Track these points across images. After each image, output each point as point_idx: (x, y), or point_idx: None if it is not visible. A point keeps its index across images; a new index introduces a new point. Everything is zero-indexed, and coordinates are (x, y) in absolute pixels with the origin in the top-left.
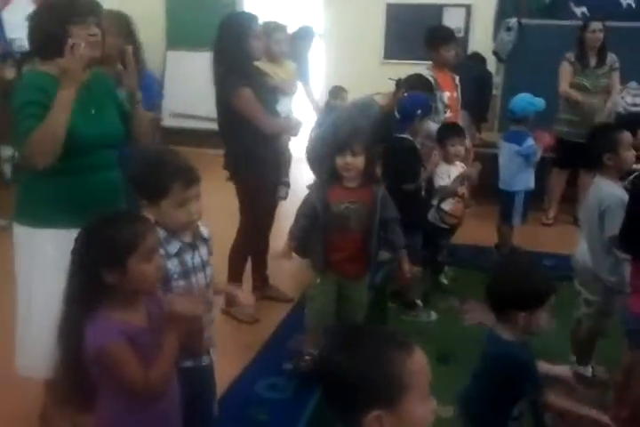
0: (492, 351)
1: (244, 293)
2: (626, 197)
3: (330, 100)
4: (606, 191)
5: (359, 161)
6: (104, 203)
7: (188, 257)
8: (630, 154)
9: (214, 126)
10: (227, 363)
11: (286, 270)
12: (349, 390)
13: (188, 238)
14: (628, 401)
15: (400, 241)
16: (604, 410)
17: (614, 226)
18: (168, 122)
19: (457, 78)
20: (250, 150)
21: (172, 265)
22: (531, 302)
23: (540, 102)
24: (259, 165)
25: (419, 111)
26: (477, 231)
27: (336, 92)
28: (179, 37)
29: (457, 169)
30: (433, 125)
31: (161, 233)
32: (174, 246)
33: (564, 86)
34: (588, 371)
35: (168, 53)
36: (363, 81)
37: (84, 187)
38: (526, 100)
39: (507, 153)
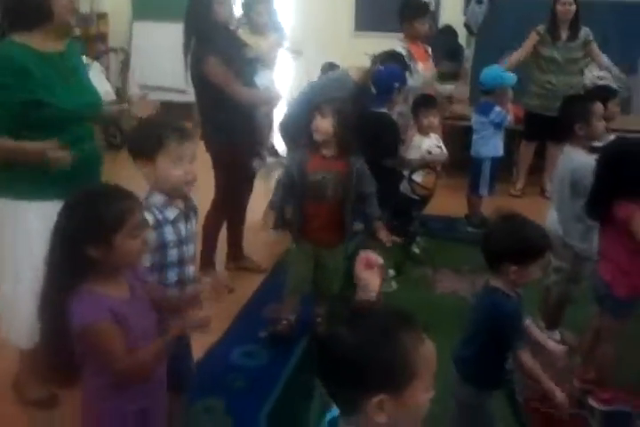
0: (483, 301)
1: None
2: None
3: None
4: (578, 161)
5: (327, 123)
6: (87, 174)
7: (181, 226)
8: (601, 125)
9: (183, 98)
10: (202, 333)
11: (261, 241)
12: (353, 368)
13: (182, 206)
14: (593, 365)
15: (376, 213)
16: (570, 374)
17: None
18: (135, 93)
19: (429, 49)
20: (222, 120)
21: (169, 232)
22: (524, 256)
23: (509, 77)
24: (231, 136)
25: (396, 84)
26: (449, 202)
27: (327, 68)
28: (145, 8)
29: (431, 141)
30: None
31: (159, 199)
32: (172, 212)
33: (516, 55)
34: (556, 336)
35: (135, 24)
36: (334, 53)
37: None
38: (495, 73)
39: (476, 124)
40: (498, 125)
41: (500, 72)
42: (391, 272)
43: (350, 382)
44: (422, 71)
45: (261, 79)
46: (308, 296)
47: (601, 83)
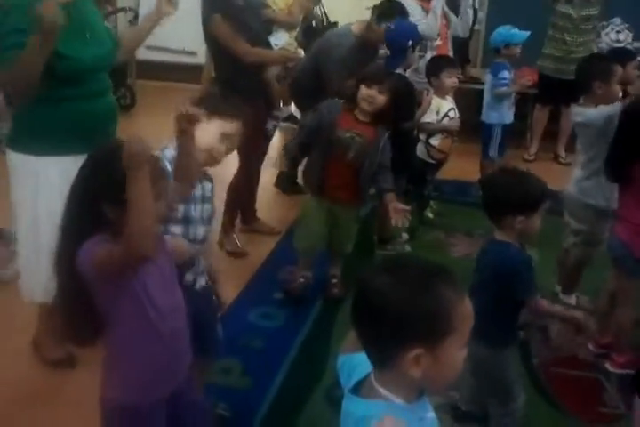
0: (491, 255)
1: None
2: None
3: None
4: (592, 112)
5: (382, 99)
6: (104, 129)
7: None
8: (618, 88)
9: (191, 60)
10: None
11: (273, 204)
12: (392, 321)
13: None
14: (609, 328)
15: (389, 186)
16: (585, 338)
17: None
18: (143, 55)
19: (444, 5)
20: (232, 80)
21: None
22: (527, 206)
23: (518, 35)
24: (244, 96)
25: (409, 42)
26: (462, 167)
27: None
28: None
29: (447, 104)
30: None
31: (172, 153)
32: None
33: None
34: (572, 300)
35: None
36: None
37: (85, 113)
38: (504, 32)
39: (487, 84)
40: (494, 87)
41: (510, 30)
42: (405, 236)
43: (388, 333)
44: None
45: (277, 40)
46: (322, 256)
47: (617, 46)
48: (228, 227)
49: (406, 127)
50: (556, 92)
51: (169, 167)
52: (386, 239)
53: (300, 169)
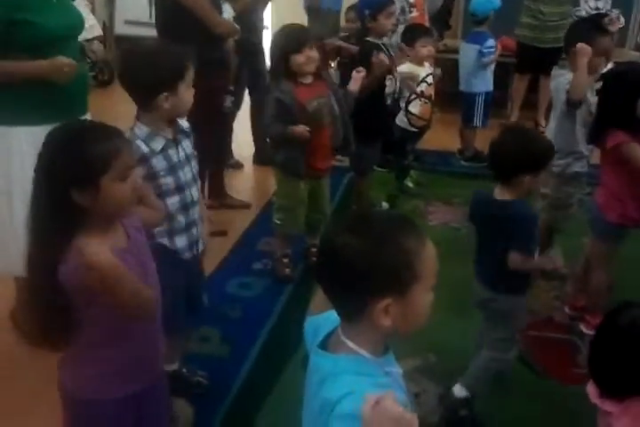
0: (507, 210)
1: None
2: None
3: None
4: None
5: (316, 54)
6: (76, 97)
7: (172, 152)
8: (600, 59)
9: None
10: None
11: (241, 178)
12: (358, 273)
13: (169, 134)
14: (585, 291)
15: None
16: (561, 302)
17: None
18: (121, 29)
19: None
20: (196, 52)
21: (158, 162)
22: (537, 164)
23: (497, 2)
24: (205, 69)
25: (366, 11)
26: (442, 137)
27: None
28: None
29: (425, 71)
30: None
31: (145, 130)
32: (159, 143)
33: None
34: None
35: None
36: None
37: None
38: (485, 0)
39: (469, 54)
40: (482, 55)
41: None
42: (385, 205)
43: (356, 288)
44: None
45: (225, 13)
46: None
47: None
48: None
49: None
50: (534, 61)
51: (143, 146)
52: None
53: (280, 158)
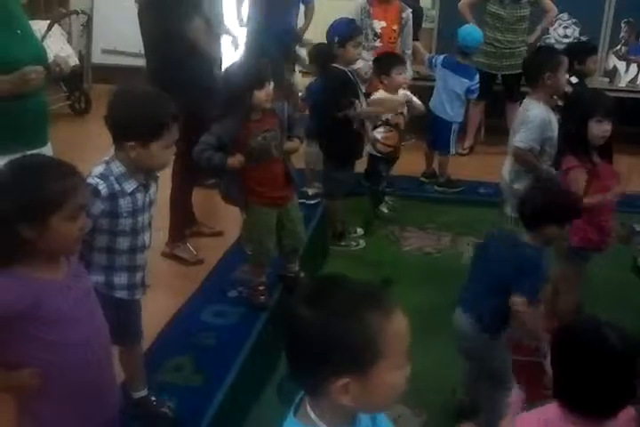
0: (517, 251)
1: None
2: (549, 118)
3: None
4: (532, 112)
5: (269, 89)
6: (35, 129)
7: (139, 196)
8: (565, 78)
9: None
10: (172, 296)
11: (209, 204)
12: (315, 351)
13: (142, 178)
14: (554, 314)
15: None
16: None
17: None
18: (99, 59)
19: (407, 11)
20: (197, 80)
21: (124, 203)
22: (565, 216)
23: (482, 32)
24: (203, 95)
25: (335, 38)
26: (415, 162)
27: None
28: None
29: (400, 97)
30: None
31: (121, 169)
32: (131, 185)
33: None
34: None
35: None
36: None
37: (20, 112)
38: (479, 34)
39: (454, 86)
40: (471, 93)
41: (478, 31)
42: (360, 231)
43: (314, 364)
44: (379, 29)
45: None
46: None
47: (565, 41)
48: (178, 237)
49: (342, 116)
50: (489, 87)
51: (115, 184)
52: (339, 235)
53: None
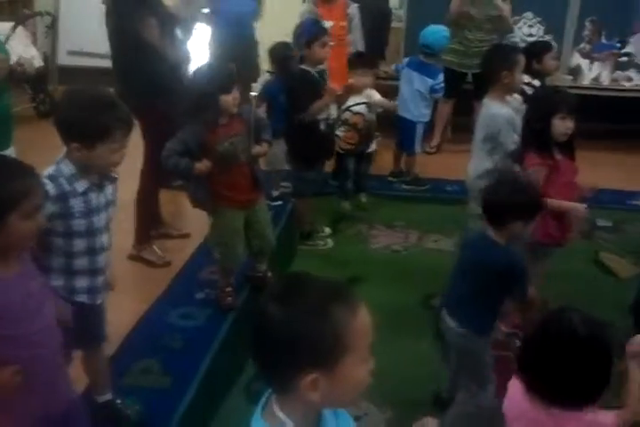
0: (491, 255)
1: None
2: (511, 114)
3: None
4: (492, 113)
5: (237, 93)
6: (0, 131)
7: (93, 196)
8: (521, 77)
9: None
10: (139, 299)
11: (176, 205)
12: (283, 347)
13: (96, 179)
14: (519, 309)
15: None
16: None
17: (508, 142)
18: (64, 60)
19: (352, 6)
20: (158, 81)
21: (76, 203)
22: (530, 212)
23: (448, 32)
24: (167, 96)
25: (301, 38)
26: (383, 161)
27: None
28: None
29: (353, 99)
30: None
31: (71, 169)
32: (82, 185)
33: (455, 4)
34: None
35: None
36: None
37: None
38: (442, 34)
39: (418, 85)
40: (435, 92)
41: (443, 31)
42: (327, 230)
43: (281, 361)
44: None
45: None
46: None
47: (530, 40)
48: (144, 239)
49: (300, 118)
50: (458, 86)
51: (66, 184)
52: (307, 234)
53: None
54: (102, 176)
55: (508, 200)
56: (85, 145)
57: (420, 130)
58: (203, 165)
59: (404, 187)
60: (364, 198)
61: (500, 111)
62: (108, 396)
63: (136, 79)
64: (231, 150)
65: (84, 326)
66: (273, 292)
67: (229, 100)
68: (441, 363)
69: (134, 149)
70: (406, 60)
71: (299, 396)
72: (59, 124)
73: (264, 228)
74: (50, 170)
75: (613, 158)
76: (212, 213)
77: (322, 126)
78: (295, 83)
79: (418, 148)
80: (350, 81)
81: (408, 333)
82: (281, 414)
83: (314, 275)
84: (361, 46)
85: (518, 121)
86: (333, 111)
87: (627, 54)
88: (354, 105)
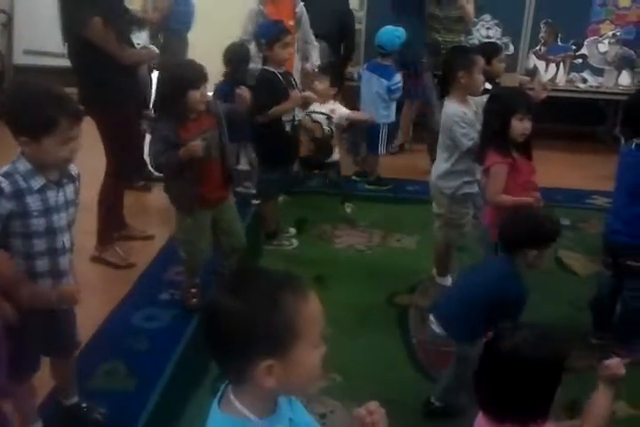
0: (505, 285)
1: None
2: (466, 114)
3: None
4: (447, 112)
5: (204, 90)
6: None
7: (51, 194)
8: (480, 77)
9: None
10: (103, 301)
11: (140, 207)
12: (238, 337)
13: (54, 176)
14: None
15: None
16: None
17: (462, 140)
18: (20, 59)
19: (300, 5)
20: (106, 81)
21: (33, 201)
22: (544, 242)
23: (403, 33)
24: (118, 97)
25: (262, 40)
26: (347, 162)
27: None
28: None
29: (314, 107)
30: None
31: (27, 166)
32: (37, 182)
33: None
34: (448, 281)
35: None
36: None
37: None
38: (395, 34)
39: (375, 87)
40: (392, 93)
41: (394, 31)
42: (292, 230)
43: (236, 350)
44: None
45: (138, 38)
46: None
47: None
48: (106, 240)
49: (259, 120)
50: None
51: (21, 181)
52: (272, 234)
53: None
54: (61, 174)
55: (525, 231)
56: (32, 138)
57: (384, 132)
58: (186, 149)
59: (367, 187)
60: (348, 209)
61: (455, 111)
62: (75, 399)
63: (85, 77)
64: (204, 146)
65: (53, 333)
66: (225, 285)
67: (197, 95)
68: (406, 359)
69: (99, 150)
70: (366, 64)
71: (255, 384)
72: (6, 118)
73: (233, 225)
74: (5, 168)
75: (570, 158)
76: (187, 214)
77: (287, 128)
78: (255, 83)
79: (382, 149)
80: (307, 93)
81: (373, 330)
82: (238, 404)
83: (265, 268)
84: (315, 54)
85: (475, 121)
86: (299, 113)
87: (581, 56)
88: (314, 112)
